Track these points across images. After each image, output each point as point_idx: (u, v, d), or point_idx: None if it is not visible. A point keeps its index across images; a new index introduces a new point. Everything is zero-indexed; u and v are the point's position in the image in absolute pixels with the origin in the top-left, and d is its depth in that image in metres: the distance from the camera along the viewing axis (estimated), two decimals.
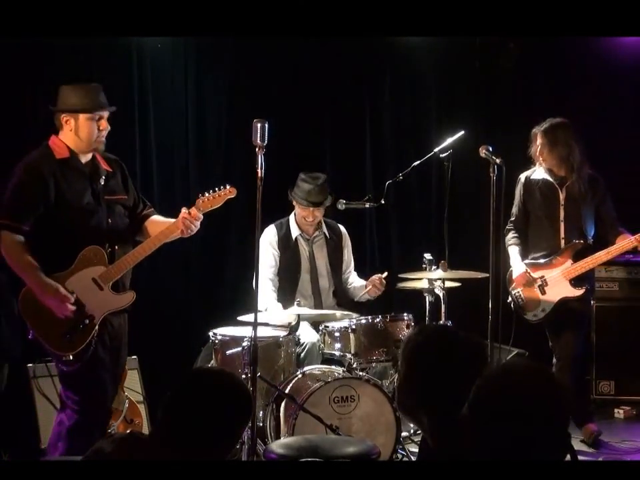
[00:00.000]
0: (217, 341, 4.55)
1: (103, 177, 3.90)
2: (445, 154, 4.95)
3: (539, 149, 4.96)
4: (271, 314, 4.77)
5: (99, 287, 3.78)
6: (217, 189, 3.98)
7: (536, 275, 4.99)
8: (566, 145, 4.89)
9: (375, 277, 5.06)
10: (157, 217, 4.13)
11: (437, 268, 4.76)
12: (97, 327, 3.76)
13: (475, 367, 2.19)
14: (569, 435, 1.93)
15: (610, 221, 5.01)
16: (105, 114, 3.85)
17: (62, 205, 3.75)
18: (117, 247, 3.87)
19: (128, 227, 3.99)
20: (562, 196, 4.96)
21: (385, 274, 5.04)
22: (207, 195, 3.96)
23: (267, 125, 3.64)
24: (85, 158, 3.88)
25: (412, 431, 4.86)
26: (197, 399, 2.37)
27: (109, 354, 3.85)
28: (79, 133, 3.80)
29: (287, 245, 5.15)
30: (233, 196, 4.01)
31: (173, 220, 3.99)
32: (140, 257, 3.89)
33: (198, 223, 3.94)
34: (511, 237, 5.09)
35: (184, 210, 3.93)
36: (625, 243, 4.82)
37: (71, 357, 3.70)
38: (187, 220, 3.90)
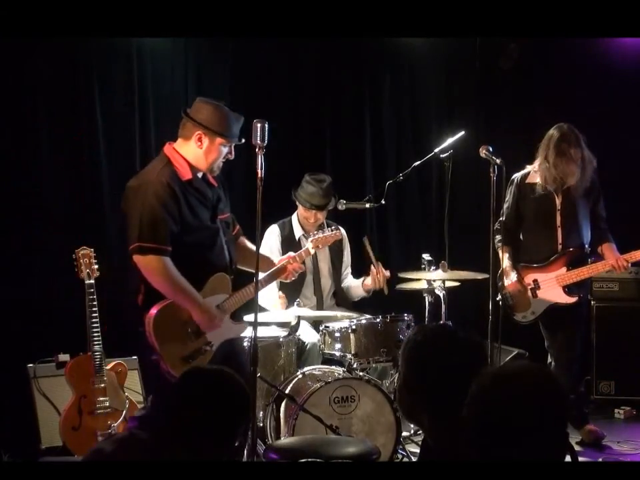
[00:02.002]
0: None
1: (219, 197, 3.86)
2: (445, 154, 4.94)
3: (554, 160, 4.78)
4: (272, 313, 4.77)
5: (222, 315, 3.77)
6: (324, 230, 4.26)
7: (528, 278, 4.95)
8: (581, 164, 4.79)
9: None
10: (246, 241, 4.15)
11: (436, 269, 4.75)
12: (212, 354, 3.74)
13: (474, 366, 2.18)
14: (567, 434, 1.93)
15: (597, 223, 4.96)
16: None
17: (190, 228, 3.68)
18: (234, 272, 3.87)
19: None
20: (558, 201, 4.89)
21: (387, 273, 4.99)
22: (317, 235, 4.24)
23: (267, 125, 3.62)
24: (200, 174, 3.81)
25: (412, 432, 4.86)
26: (195, 398, 2.37)
27: None
28: (208, 155, 3.72)
29: (290, 245, 5.13)
30: (339, 239, 4.43)
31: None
32: (252, 296, 3.86)
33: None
34: (500, 239, 5.00)
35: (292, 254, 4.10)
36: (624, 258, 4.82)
37: None
38: (299, 257, 4.07)
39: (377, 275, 4.91)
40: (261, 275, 3.82)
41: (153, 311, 3.63)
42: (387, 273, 4.93)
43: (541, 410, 1.85)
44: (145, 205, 3.58)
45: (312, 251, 4.19)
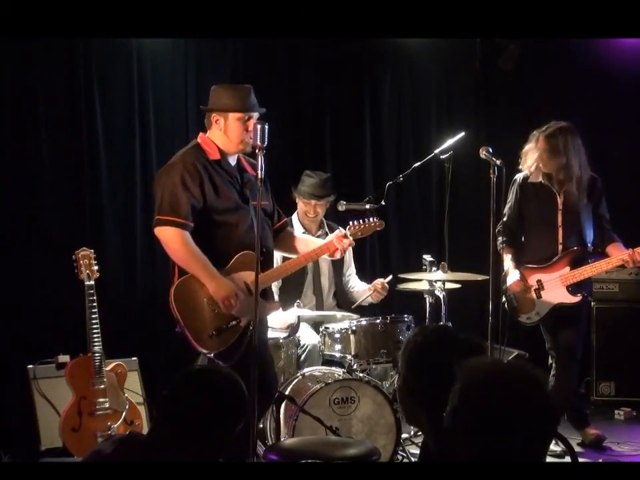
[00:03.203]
0: None
1: (250, 182, 3.93)
2: (446, 155, 4.93)
3: (539, 153, 4.82)
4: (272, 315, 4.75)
5: (250, 292, 3.74)
6: (366, 219, 4.15)
7: (532, 279, 4.92)
8: (564, 153, 4.74)
9: (378, 281, 5.01)
10: (295, 232, 4.35)
11: (437, 269, 4.75)
12: (241, 330, 3.76)
13: None
14: (554, 436, 1.93)
15: (601, 223, 4.94)
16: (255, 115, 3.89)
17: (215, 205, 3.79)
18: (266, 254, 3.90)
19: (270, 236, 4.04)
20: (560, 200, 4.86)
21: (389, 277, 4.98)
22: (357, 223, 4.12)
23: (267, 126, 3.64)
24: (233, 160, 3.93)
25: (412, 433, 4.86)
26: (191, 396, 2.37)
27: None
28: (228, 133, 3.85)
29: None
30: (380, 229, 4.22)
31: (310, 237, 4.42)
32: (290, 271, 4.05)
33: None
34: (503, 241, 4.98)
35: (340, 231, 4.11)
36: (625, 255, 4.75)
37: (212, 355, 3.71)
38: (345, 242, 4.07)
39: (377, 288, 4.92)
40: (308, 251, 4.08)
41: (181, 279, 3.74)
42: (386, 285, 4.94)
43: (524, 411, 1.84)
44: (167, 183, 3.76)
45: (350, 239, 4.09)
